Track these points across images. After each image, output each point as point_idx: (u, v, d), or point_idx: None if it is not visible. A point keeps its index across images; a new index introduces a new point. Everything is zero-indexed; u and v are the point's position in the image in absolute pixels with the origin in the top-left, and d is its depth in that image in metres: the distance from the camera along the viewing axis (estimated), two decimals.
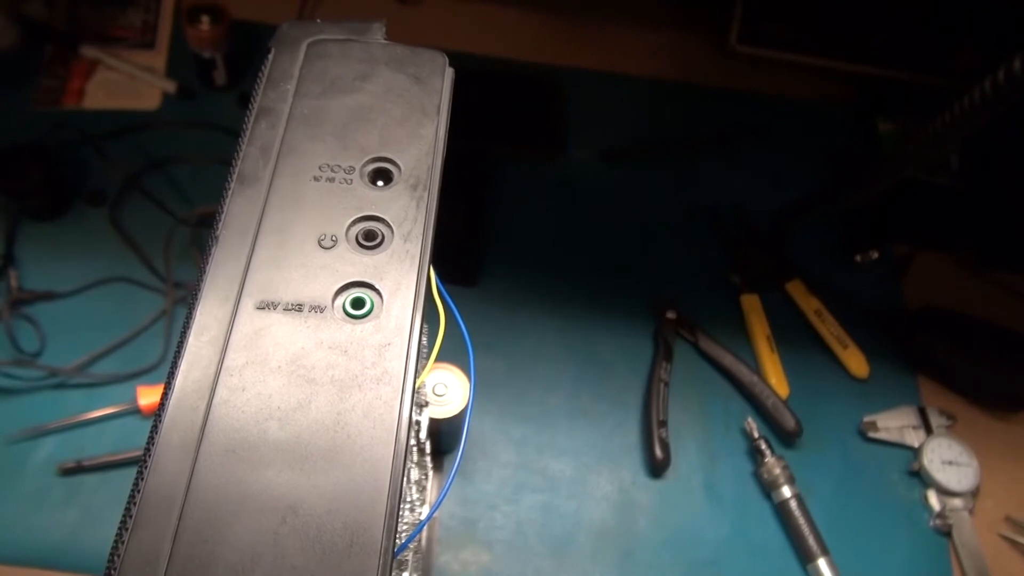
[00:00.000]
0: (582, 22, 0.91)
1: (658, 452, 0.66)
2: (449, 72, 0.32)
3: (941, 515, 0.67)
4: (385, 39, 0.33)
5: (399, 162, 0.29)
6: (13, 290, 0.66)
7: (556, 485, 0.65)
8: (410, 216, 0.28)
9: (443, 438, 0.60)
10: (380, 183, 0.29)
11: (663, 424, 0.67)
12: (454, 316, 0.30)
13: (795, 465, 0.66)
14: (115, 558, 0.21)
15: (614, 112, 0.86)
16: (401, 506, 0.24)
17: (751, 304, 0.75)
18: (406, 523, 0.45)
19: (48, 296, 0.67)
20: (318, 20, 0.33)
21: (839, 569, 0.62)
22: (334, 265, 0.26)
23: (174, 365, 0.24)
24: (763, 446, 0.66)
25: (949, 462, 0.68)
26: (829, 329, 0.74)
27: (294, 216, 0.27)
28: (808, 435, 0.68)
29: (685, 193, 0.82)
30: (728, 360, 0.71)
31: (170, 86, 0.79)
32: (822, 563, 0.62)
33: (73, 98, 0.78)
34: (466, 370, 0.55)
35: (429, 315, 0.30)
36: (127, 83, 0.80)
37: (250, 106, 0.30)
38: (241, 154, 0.29)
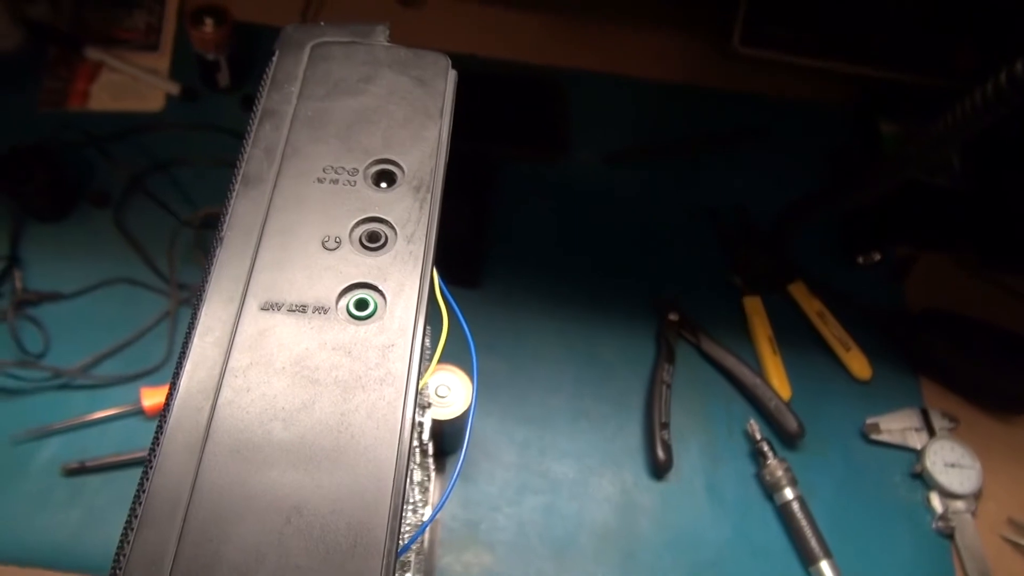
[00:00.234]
0: (583, 24, 0.91)
1: (660, 454, 0.66)
2: (452, 75, 0.32)
3: (943, 517, 0.67)
4: (388, 42, 0.33)
5: (402, 164, 0.29)
6: (18, 291, 0.67)
7: (558, 487, 0.65)
8: (413, 218, 0.28)
9: (445, 439, 0.60)
10: (384, 185, 0.29)
11: (665, 426, 0.67)
12: (457, 318, 0.30)
13: (797, 467, 0.66)
14: (120, 557, 0.21)
15: (615, 113, 0.86)
16: (404, 507, 0.24)
17: (753, 306, 0.75)
18: (409, 524, 0.46)
19: (52, 297, 0.67)
20: (322, 23, 0.33)
21: (841, 571, 0.62)
22: (338, 266, 0.26)
23: (179, 366, 0.24)
24: (765, 448, 0.66)
25: (951, 464, 0.68)
26: (831, 331, 0.74)
27: (298, 217, 0.27)
28: (810, 437, 0.68)
29: (686, 194, 0.82)
30: (730, 362, 0.71)
31: (174, 88, 0.79)
32: (824, 565, 0.62)
33: (77, 100, 0.79)
34: (468, 372, 0.55)
35: (431, 316, 0.31)
36: (131, 85, 0.80)
37: (254, 108, 0.31)
38: (245, 156, 0.29)
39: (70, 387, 0.64)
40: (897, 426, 0.70)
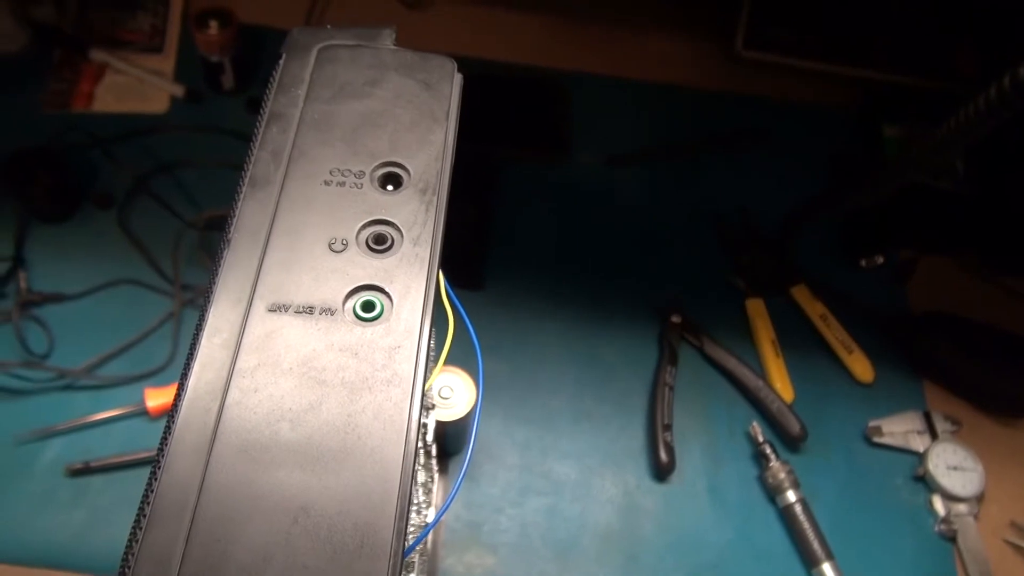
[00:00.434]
0: (586, 26, 0.92)
1: (662, 456, 0.66)
2: (458, 78, 0.32)
3: (946, 520, 0.67)
4: (394, 45, 0.33)
5: (408, 167, 0.29)
6: (22, 292, 0.67)
7: (560, 488, 0.65)
8: (419, 220, 0.28)
9: (448, 441, 0.60)
10: (390, 187, 0.29)
11: (667, 428, 0.67)
12: (462, 319, 0.30)
13: (800, 469, 0.66)
14: (129, 557, 0.21)
15: (618, 115, 0.86)
16: (409, 508, 0.24)
17: (756, 308, 0.75)
18: (413, 525, 0.46)
19: (57, 298, 0.68)
20: (328, 26, 0.34)
21: (843, 574, 0.62)
22: (344, 268, 0.27)
23: (187, 367, 0.24)
24: (768, 450, 0.66)
25: (954, 467, 0.68)
26: (834, 334, 0.74)
27: (305, 219, 0.28)
28: (813, 440, 0.68)
29: (689, 196, 0.82)
30: (733, 364, 0.71)
31: (178, 90, 0.80)
32: (827, 568, 0.62)
33: (82, 101, 0.79)
34: (470, 373, 0.55)
35: (436, 319, 0.31)
36: (135, 87, 0.80)
37: (261, 111, 0.31)
38: (253, 158, 0.29)
39: (74, 388, 0.64)
40: (899, 429, 0.70)
